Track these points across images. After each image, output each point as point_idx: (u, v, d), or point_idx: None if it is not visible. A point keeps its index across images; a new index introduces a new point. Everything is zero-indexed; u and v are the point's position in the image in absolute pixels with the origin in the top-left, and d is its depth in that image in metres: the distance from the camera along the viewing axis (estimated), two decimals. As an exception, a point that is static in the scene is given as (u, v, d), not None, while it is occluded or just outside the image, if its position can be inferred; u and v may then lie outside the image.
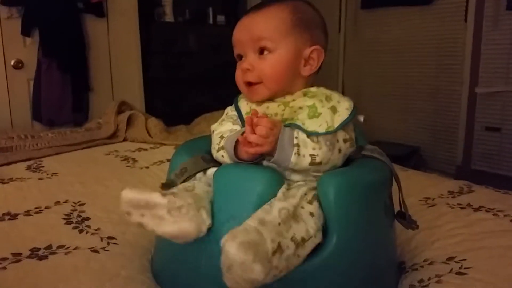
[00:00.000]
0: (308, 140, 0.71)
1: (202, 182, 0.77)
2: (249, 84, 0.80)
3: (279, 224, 0.63)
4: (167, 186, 0.78)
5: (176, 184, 0.77)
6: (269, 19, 0.78)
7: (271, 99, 0.80)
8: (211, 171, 0.77)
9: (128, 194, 0.67)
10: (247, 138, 0.69)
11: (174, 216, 0.65)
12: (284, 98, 0.79)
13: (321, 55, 0.81)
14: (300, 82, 0.81)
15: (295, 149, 0.70)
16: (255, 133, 0.68)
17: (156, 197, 0.66)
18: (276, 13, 0.79)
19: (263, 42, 0.77)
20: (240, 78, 0.81)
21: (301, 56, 0.79)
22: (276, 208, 0.65)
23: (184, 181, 0.78)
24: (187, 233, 0.66)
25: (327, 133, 0.73)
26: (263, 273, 0.56)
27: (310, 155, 0.71)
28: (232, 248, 0.57)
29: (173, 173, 0.80)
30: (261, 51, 0.78)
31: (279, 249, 0.60)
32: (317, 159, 0.71)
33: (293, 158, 0.70)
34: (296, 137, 0.71)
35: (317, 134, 0.72)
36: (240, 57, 0.82)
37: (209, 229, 0.72)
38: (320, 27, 0.83)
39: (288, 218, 0.64)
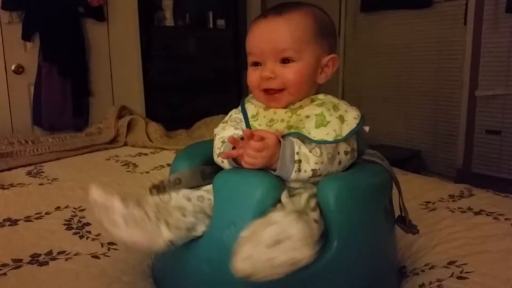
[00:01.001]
0: (310, 154, 0.70)
1: (180, 195, 0.76)
2: (269, 91, 0.78)
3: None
4: (156, 189, 0.78)
5: (166, 192, 0.77)
6: (292, 28, 0.76)
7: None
8: (207, 186, 0.77)
9: (93, 192, 0.67)
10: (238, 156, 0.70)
11: (128, 225, 0.65)
12: (292, 105, 0.79)
13: (336, 63, 0.81)
14: (313, 89, 0.81)
15: (296, 166, 0.69)
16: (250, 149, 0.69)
17: (115, 201, 0.66)
18: (299, 21, 0.77)
19: (288, 53, 0.76)
20: (256, 84, 0.79)
21: (319, 65, 0.79)
22: (290, 210, 0.65)
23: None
24: (139, 244, 0.67)
25: (335, 141, 0.72)
26: (309, 258, 0.56)
27: (312, 169, 0.70)
28: (294, 221, 0.57)
29: (168, 178, 0.79)
30: (284, 60, 0.77)
31: None
32: (318, 172, 0.71)
33: (294, 175, 0.70)
34: (297, 153, 0.70)
35: (325, 143, 0.72)
36: (257, 63, 0.80)
37: (210, 235, 0.72)
38: (334, 34, 0.83)
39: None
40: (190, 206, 0.74)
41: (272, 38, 0.76)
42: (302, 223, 0.57)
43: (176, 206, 0.73)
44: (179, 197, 0.75)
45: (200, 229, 0.74)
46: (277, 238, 0.57)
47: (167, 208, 0.72)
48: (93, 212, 0.69)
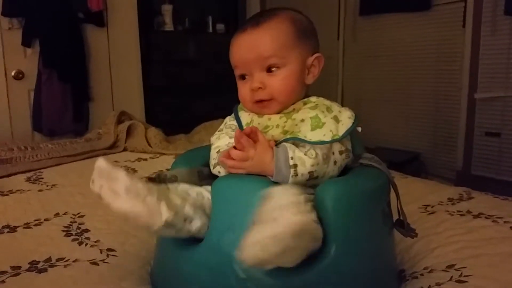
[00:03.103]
0: (305, 157, 0.71)
1: (180, 189, 0.75)
2: (260, 101, 0.79)
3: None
4: (152, 181, 0.77)
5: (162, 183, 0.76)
6: (273, 35, 0.77)
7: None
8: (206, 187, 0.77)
9: (100, 161, 0.67)
10: (225, 161, 0.72)
11: (129, 196, 0.64)
12: (285, 109, 0.79)
13: (321, 62, 0.82)
14: (303, 91, 0.81)
15: (292, 171, 0.70)
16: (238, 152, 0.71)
17: (120, 172, 0.65)
18: (278, 27, 0.77)
19: (272, 60, 0.76)
20: (248, 97, 0.79)
21: (305, 66, 0.80)
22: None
23: None
24: (138, 216, 0.65)
25: (333, 141, 0.73)
26: (308, 221, 0.58)
27: (309, 172, 0.71)
28: (281, 192, 0.59)
29: (164, 173, 0.79)
30: (269, 68, 0.77)
31: None
32: (315, 174, 0.71)
33: (291, 180, 0.70)
34: (292, 158, 0.70)
35: (323, 143, 0.72)
36: (243, 76, 0.80)
37: (208, 240, 0.72)
38: (314, 33, 0.84)
39: None
40: (190, 198, 0.74)
41: (255, 48, 0.77)
42: (289, 193, 0.58)
43: (181, 193, 0.73)
44: (179, 190, 0.74)
45: (195, 224, 0.72)
46: (272, 214, 0.57)
47: (171, 192, 0.71)
48: (92, 183, 0.68)
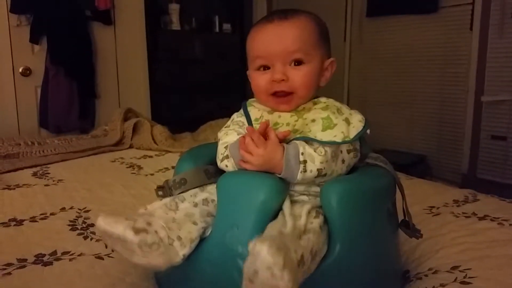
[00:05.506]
0: (315, 154, 0.71)
1: (187, 202, 0.75)
2: (278, 93, 0.78)
3: (299, 236, 0.63)
4: (162, 190, 0.79)
5: (171, 194, 0.77)
6: (302, 30, 0.77)
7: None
8: (211, 186, 0.78)
9: (101, 225, 0.65)
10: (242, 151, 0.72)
11: (144, 252, 0.64)
12: (297, 108, 0.79)
13: (334, 67, 0.83)
14: (315, 92, 0.82)
15: (301, 166, 0.70)
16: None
17: (128, 234, 0.63)
18: (306, 24, 0.78)
19: (298, 55, 0.76)
20: (264, 88, 0.79)
21: (322, 68, 0.80)
22: (290, 222, 0.66)
23: (181, 193, 0.78)
24: (157, 267, 0.67)
25: (343, 142, 0.73)
26: (291, 283, 0.54)
27: (318, 169, 0.70)
28: (262, 250, 0.53)
29: (172, 179, 0.79)
30: (295, 62, 0.77)
31: (301, 260, 0.59)
32: (323, 172, 0.71)
33: (300, 176, 0.70)
34: (302, 153, 0.70)
35: (334, 143, 0.72)
36: (264, 67, 0.80)
37: (213, 236, 0.72)
38: (329, 38, 0.84)
39: (302, 232, 0.65)
40: (197, 212, 0.74)
41: (282, 41, 0.76)
42: (266, 250, 0.53)
43: (185, 215, 0.73)
44: (186, 205, 0.75)
45: (209, 231, 0.74)
46: (250, 274, 0.56)
47: (177, 221, 0.71)
48: (105, 240, 0.68)
